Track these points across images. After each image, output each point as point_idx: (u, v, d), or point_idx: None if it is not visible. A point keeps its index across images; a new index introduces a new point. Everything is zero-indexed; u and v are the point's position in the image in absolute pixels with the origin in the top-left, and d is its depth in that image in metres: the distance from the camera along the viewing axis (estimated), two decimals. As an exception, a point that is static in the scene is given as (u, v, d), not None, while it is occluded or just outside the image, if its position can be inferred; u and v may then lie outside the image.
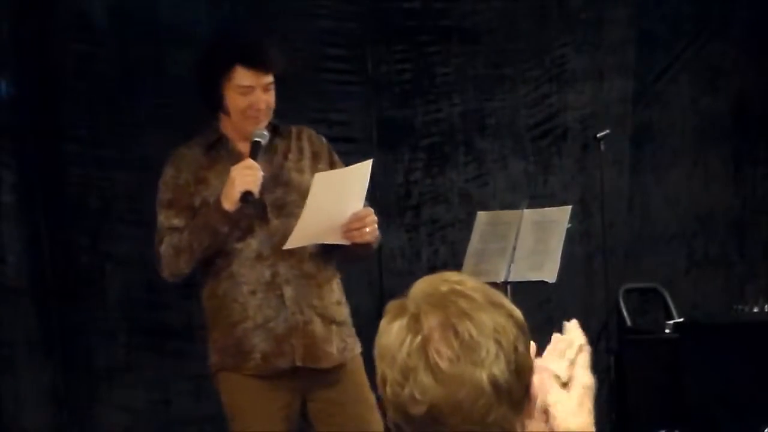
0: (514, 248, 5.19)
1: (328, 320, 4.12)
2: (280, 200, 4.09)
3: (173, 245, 4.02)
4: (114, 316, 5.74)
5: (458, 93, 6.43)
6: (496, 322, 1.80)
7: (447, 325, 1.79)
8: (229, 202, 3.94)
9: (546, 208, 5.46)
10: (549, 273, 5.15)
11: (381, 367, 1.83)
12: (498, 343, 1.78)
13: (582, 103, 6.66)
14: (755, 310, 6.19)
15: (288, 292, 4.05)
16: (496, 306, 1.82)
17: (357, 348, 4.16)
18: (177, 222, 4.05)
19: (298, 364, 4.05)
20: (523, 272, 5.18)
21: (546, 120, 6.60)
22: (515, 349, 1.79)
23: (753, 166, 7.00)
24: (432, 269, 5.64)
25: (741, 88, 6.95)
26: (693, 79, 6.89)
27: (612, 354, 6.29)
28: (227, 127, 4.13)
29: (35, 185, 5.59)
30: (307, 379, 4.09)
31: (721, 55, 6.92)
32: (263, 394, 4.06)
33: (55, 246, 5.60)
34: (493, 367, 1.77)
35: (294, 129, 4.26)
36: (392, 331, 1.82)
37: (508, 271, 5.15)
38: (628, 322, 6.46)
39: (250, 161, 3.97)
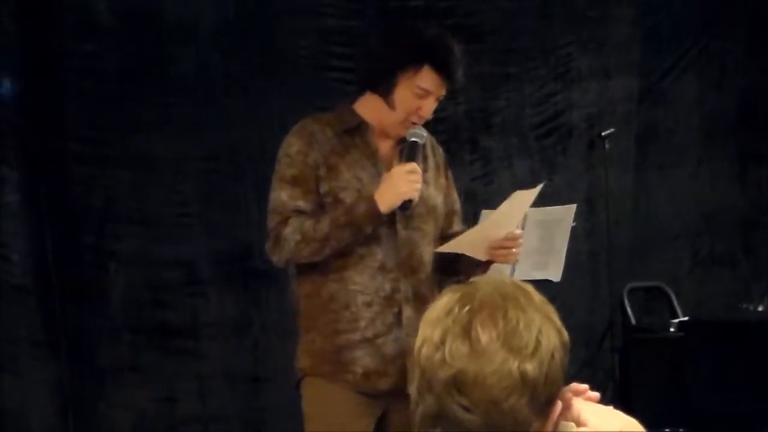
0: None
1: None
2: (409, 211, 3.78)
3: (303, 231, 3.70)
4: (118, 315, 5.74)
5: (463, 92, 6.42)
6: (543, 325, 1.83)
7: (499, 307, 1.82)
8: (387, 206, 3.68)
9: (551, 207, 5.43)
10: (554, 272, 5.12)
11: (423, 331, 1.85)
12: (538, 342, 1.80)
13: (587, 101, 6.66)
14: (760, 308, 6.18)
15: (407, 311, 3.79)
16: (549, 318, 1.85)
17: None
18: (303, 204, 3.75)
19: (409, 391, 3.81)
20: (527, 271, 5.14)
21: (551, 118, 6.61)
22: (552, 356, 1.81)
23: (758, 165, 7.00)
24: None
25: (746, 87, 6.96)
26: (698, 77, 6.89)
27: (617, 353, 6.28)
28: (368, 113, 3.83)
29: (39, 184, 5.60)
30: (400, 399, 3.75)
31: (726, 53, 6.92)
32: (352, 410, 3.81)
33: (58, 245, 5.61)
34: (526, 361, 1.79)
35: None
36: (443, 301, 1.86)
37: (513, 270, 5.12)
38: (633, 321, 6.45)
39: (413, 165, 3.71)
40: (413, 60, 3.72)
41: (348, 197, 3.75)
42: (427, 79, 3.74)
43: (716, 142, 6.95)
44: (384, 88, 3.77)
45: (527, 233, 5.15)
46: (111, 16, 5.70)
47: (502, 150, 6.52)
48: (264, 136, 5.76)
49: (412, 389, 1.88)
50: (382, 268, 3.78)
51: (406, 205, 3.71)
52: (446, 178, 4.02)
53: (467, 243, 3.84)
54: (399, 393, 3.75)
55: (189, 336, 5.79)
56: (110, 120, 5.72)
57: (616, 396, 6.06)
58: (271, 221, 3.78)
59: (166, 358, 5.80)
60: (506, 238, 3.87)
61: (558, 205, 5.57)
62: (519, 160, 6.55)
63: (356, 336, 3.78)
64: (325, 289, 3.80)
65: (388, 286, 3.78)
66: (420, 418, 1.85)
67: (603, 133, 6.30)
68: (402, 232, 3.79)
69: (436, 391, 1.81)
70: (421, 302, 3.79)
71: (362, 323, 3.78)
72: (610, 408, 1.97)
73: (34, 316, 5.57)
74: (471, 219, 5.74)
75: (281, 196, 3.77)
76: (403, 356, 3.77)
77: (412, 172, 3.70)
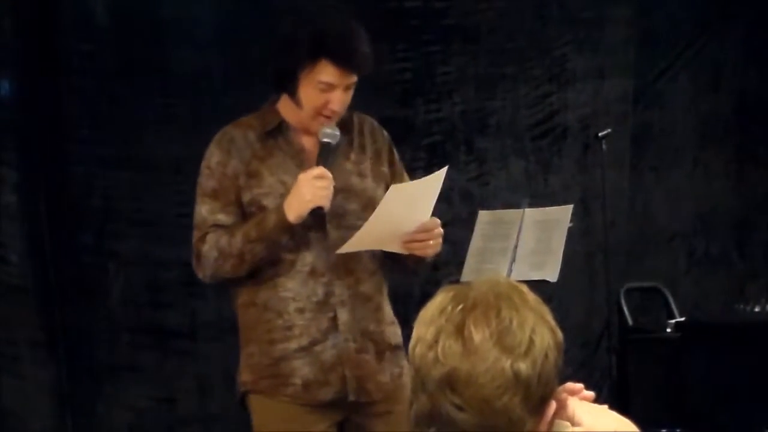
0: (516, 247, 5.18)
1: (383, 346, 3.70)
2: (339, 209, 3.62)
3: (219, 248, 3.57)
4: (117, 315, 5.74)
5: (459, 92, 6.44)
6: (537, 325, 1.84)
7: (492, 306, 1.83)
8: (296, 216, 3.52)
9: (547, 207, 5.46)
10: (551, 272, 5.14)
11: (417, 330, 1.86)
12: (532, 341, 1.81)
13: (582, 102, 6.67)
14: (756, 309, 6.18)
15: (343, 315, 3.63)
16: (543, 318, 1.86)
17: None
18: (223, 218, 3.61)
19: (351, 398, 3.65)
20: (524, 271, 5.17)
21: (547, 119, 6.62)
22: (546, 355, 1.82)
23: (754, 166, 7.01)
24: (433, 268, 5.65)
25: (742, 88, 6.97)
26: (694, 78, 6.90)
27: (613, 353, 6.28)
28: (288, 112, 3.67)
29: (38, 184, 5.60)
30: (351, 409, 3.69)
31: (721, 54, 6.93)
32: (300, 425, 3.64)
33: (58, 245, 5.60)
34: (519, 360, 1.80)
35: (356, 119, 3.78)
36: (437, 300, 1.87)
37: (510, 271, 5.15)
38: (630, 322, 6.45)
39: (321, 170, 3.53)
40: (308, 56, 3.55)
41: (271, 203, 3.61)
42: (325, 72, 3.55)
43: (712, 142, 6.96)
44: (289, 87, 3.62)
45: (524, 234, 5.18)
46: (110, 16, 5.70)
47: (498, 151, 6.52)
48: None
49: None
50: (313, 273, 3.63)
51: (317, 211, 3.54)
52: (390, 164, 3.81)
53: (369, 239, 3.63)
54: (342, 403, 3.67)
55: (188, 336, 5.79)
56: (110, 120, 5.72)
57: (613, 396, 6.07)
58: (194, 237, 3.66)
59: (166, 359, 5.80)
60: (418, 230, 3.66)
61: (554, 206, 5.61)
62: (514, 160, 6.55)
63: (292, 345, 3.63)
64: (259, 297, 3.66)
65: (320, 291, 3.63)
66: (414, 417, 1.86)
67: (599, 134, 6.31)
68: (333, 233, 3.63)
69: (429, 390, 1.82)
70: (361, 302, 3.68)
71: (296, 331, 3.63)
72: (605, 407, 1.98)
73: (33, 317, 5.56)
74: (467, 219, 5.79)
75: (201, 210, 3.65)
76: (342, 364, 3.65)
77: (319, 177, 3.52)
